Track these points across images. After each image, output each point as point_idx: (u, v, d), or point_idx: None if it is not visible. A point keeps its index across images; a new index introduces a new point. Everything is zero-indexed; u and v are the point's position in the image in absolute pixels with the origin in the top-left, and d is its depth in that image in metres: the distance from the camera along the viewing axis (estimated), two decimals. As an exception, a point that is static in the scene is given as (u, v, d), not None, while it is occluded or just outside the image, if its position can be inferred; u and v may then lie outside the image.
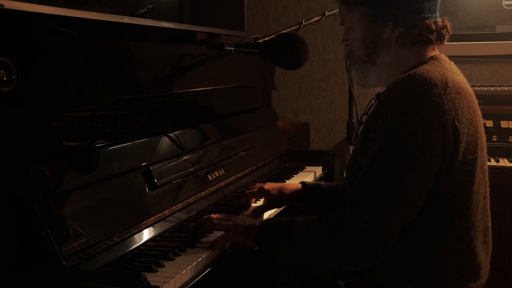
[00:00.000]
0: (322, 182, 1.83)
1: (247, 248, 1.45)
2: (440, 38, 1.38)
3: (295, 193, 1.74)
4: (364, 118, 1.51)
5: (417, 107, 1.23)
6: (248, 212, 1.71)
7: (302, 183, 1.77)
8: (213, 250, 1.37)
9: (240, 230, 1.41)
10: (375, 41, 1.39)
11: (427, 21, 1.35)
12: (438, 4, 1.38)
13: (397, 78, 1.33)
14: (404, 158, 1.23)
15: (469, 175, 1.30)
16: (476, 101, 1.35)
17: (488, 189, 1.39)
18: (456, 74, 1.33)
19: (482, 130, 1.36)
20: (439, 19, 1.38)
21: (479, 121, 1.35)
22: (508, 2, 2.86)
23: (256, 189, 1.73)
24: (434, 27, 1.35)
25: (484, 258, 1.37)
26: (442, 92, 1.24)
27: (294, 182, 1.98)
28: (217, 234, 1.45)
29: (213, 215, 1.48)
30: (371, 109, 1.49)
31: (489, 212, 1.39)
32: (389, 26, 1.36)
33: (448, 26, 1.39)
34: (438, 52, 1.40)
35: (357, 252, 1.25)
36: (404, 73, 1.31)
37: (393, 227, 1.25)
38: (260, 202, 1.79)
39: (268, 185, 1.73)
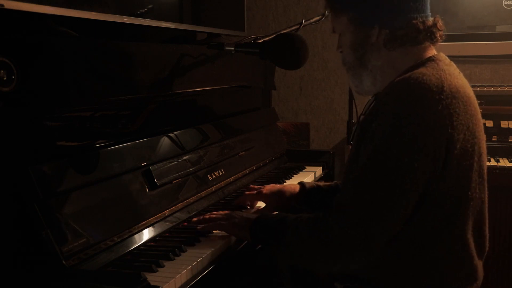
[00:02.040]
0: (322, 182, 1.82)
1: (246, 248, 1.45)
2: (431, 37, 1.35)
3: (294, 194, 1.74)
4: (362, 119, 1.51)
5: (411, 112, 1.22)
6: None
7: (301, 183, 1.76)
8: (202, 231, 1.44)
9: (235, 221, 1.44)
10: (363, 45, 1.37)
11: (414, 21, 1.32)
12: (428, 3, 1.35)
13: (393, 80, 1.31)
14: (395, 162, 1.22)
15: (465, 181, 1.29)
16: (475, 104, 1.33)
17: (486, 192, 1.37)
18: (454, 77, 1.30)
19: (481, 133, 1.34)
20: (429, 18, 1.35)
21: (478, 125, 1.32)
22: (508, 2, 2.86)
23: (255, 192, 1.74)
24: (422, 27, 1.33)
25: (479, 262, 1.37)
26: (437, 97, 1.23)
27: (294, 182, 1.98)
28: (217, 234, 1.45)
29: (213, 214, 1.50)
30: (369, 109, 1.49)
31: (486, 216, 1.38)
32: (375, 29, 1.35)
33: (439, 24, 1.36)
34: (436, 52, 1.37)
35: (344, 252, 1.27)
36: (400, 75, 1.30)
37: (382, 228, 1.25)
38: (260, 203, 1.79)
39: (267, 189, 1.73)
